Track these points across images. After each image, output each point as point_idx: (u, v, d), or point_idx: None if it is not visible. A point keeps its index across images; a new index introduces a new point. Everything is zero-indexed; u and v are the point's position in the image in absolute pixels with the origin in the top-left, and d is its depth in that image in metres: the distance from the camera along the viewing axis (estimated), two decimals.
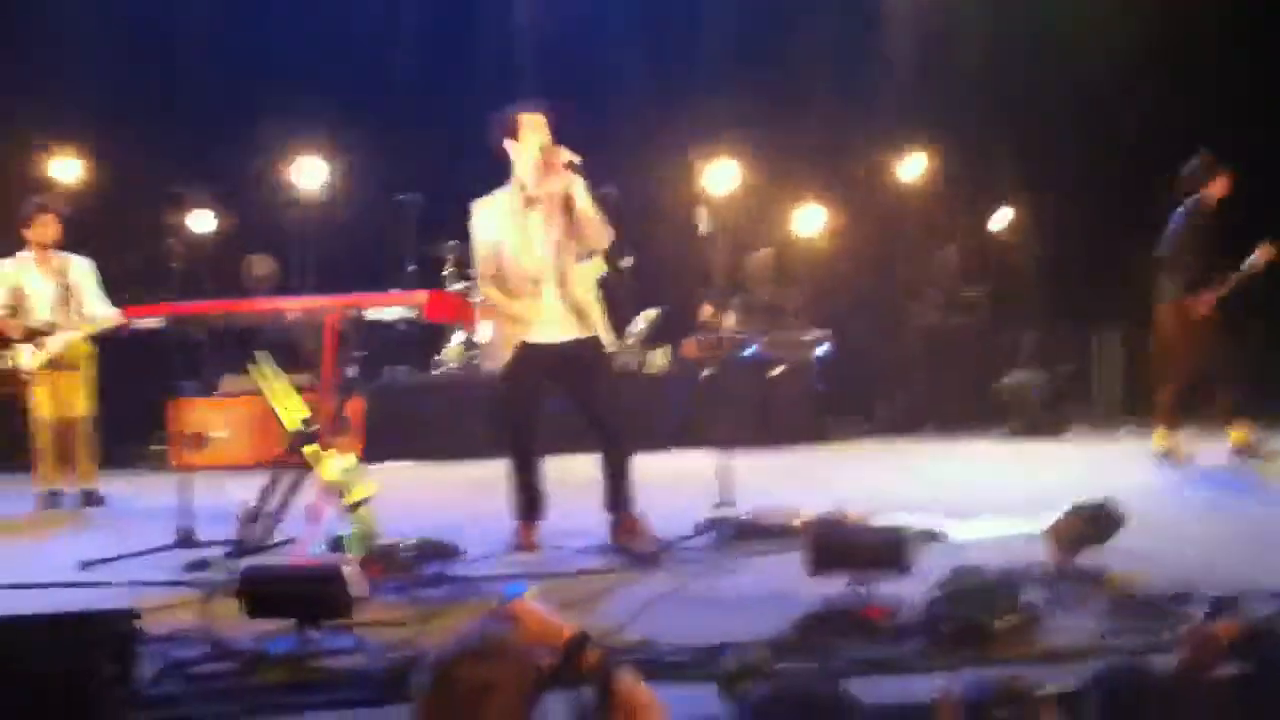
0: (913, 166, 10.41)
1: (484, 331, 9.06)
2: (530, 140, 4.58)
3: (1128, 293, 8.59)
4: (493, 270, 4.65)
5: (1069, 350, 10.94)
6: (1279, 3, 9.61)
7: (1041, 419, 8.94)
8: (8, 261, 6.42)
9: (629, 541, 4.54)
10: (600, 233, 4.66)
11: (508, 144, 4.64)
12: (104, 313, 6.38)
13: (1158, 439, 6.94)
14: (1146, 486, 5.78)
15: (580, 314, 4.69)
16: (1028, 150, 10.43)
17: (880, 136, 10.51)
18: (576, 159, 4.52)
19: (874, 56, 10.31)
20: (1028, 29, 10.16)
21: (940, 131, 10.35)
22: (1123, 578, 3.52)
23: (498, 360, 4.78)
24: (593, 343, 4.74)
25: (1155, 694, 2.19)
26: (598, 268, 5.12)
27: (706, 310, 9.42)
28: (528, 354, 4.64)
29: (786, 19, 10.58)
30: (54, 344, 6.34)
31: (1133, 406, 10.52)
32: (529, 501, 4.70)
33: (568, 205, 4.56)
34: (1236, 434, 6.82)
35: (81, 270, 6.52)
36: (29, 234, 6.38)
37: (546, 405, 4.77)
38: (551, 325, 4.65)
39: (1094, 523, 3.76)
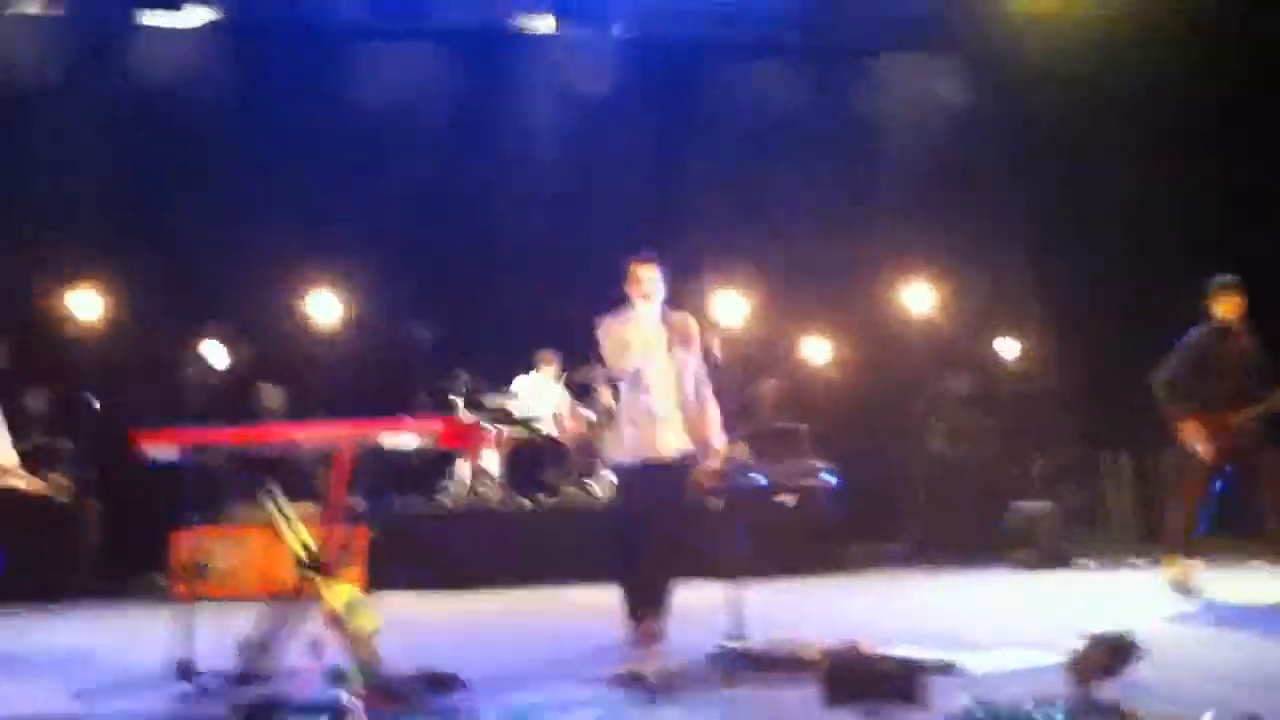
0: (920, 297, 10.52)
1: (490, 459, 9.08)
2: (642, 288, 5.11)
3: (1137, 419, 8.52)
4: (626, 371, 5.09)
5: (1078, 477, 10.85)
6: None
7: (1050, 550, 8.82)
8: None
9: (642, 659, 4.48)
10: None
11: (629, 288, 5.14)
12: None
13: (1166, 567, 6.77)
14: (1160, 617, 5.65)
15: (682, 429, 5.14)
16: (1036, 278, 10.54)
17: (887, 267, 10.67)
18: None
19: (882, 188, 10.52)
20: (1033, 158, 10.41)
21: (947, 262, 10.50)
22: (1144, 712, 3.43)
23: (617, 454, 5.24)
24: (688, 458, 5.17)
25: None
26: None
27: None
28: (645, 473, 5.06)
29: (793, 151, 10.86)
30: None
31: (1143, 534, 10.38)
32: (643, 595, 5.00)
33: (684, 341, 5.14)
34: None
35: None
36: None
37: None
38: (666, 445, 5.09)
39: (1114, 654, 3.69)
